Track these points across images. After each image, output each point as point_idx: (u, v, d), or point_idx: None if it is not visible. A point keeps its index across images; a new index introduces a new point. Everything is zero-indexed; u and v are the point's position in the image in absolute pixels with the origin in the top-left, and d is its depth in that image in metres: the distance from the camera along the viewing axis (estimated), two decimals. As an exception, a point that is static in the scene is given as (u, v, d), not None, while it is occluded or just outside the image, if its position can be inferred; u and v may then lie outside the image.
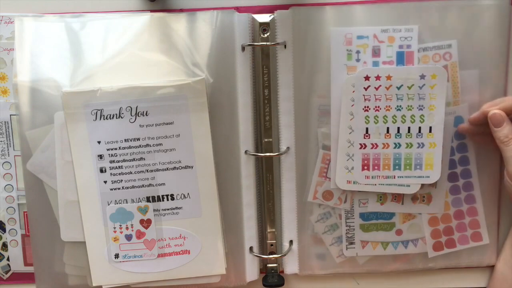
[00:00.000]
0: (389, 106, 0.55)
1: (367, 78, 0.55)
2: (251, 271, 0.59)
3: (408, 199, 0.57)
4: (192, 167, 0.55)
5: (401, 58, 0.55)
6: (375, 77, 0.55)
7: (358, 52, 0.55)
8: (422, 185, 0.56)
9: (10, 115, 0.57)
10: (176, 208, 0.56)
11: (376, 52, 0.55)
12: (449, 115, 0.56)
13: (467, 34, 0.55)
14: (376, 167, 0.56)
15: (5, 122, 0.57)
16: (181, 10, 0.56)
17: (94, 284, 0.56)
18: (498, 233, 0.60)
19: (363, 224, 0.58)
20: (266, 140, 0.57)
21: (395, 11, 0.55)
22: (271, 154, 0.57)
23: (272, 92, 0.56)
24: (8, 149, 0.57)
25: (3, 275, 0.59)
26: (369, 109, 0.55)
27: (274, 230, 0.59)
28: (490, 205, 0.59)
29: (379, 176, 0.56)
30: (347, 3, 0.55)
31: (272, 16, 0.55)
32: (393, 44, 0.55)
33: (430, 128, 0.55)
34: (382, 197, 0.57)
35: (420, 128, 0.55)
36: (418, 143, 0.55)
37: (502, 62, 0.56)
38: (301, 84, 0.56)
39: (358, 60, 0.55)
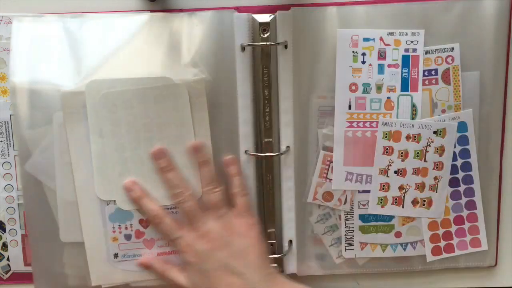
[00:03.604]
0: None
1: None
2: (251, 271, 0.59)
3: (408, 202, 0.57)
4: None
5: (407, 61, 0.55)
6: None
7: (364, 54, 0.55)
8: (423, 189, 0.57)
9: (10, 115, 0.56)
10: (176, 207, 0.56)
11: (381, 55, 0.55)
12: (452, 120, 0.56)
13: (468, 36, 0.55)
14: None
15: (5, 122, 0.57)
16: (181, 10, 0.55)
17: (93, 284, 0.56)
18: (498, 239, 0.59)
19: (363, 225, 0.58)
20: (266, 140, 0.57)
21: (397, 12, 0.54)
22: (271, 154, 0.57)
23: (272, 92, 0.56)
24: (8, 149, 0.57)
25: (3, 275, 0.60)
26: None
27: (273, 230, 0.59)
28: (490, 211, 0.58)
29: None
30: (347, 3, 0.55)
31: (273, 16, 0.55)
32: (399, 48, 0.55)
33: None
34: (382, 199, 0.57)
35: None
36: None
37: (502, 63, 0.56)
38: (301, 84, 0.56)
39: (363, 62, 0.55)
